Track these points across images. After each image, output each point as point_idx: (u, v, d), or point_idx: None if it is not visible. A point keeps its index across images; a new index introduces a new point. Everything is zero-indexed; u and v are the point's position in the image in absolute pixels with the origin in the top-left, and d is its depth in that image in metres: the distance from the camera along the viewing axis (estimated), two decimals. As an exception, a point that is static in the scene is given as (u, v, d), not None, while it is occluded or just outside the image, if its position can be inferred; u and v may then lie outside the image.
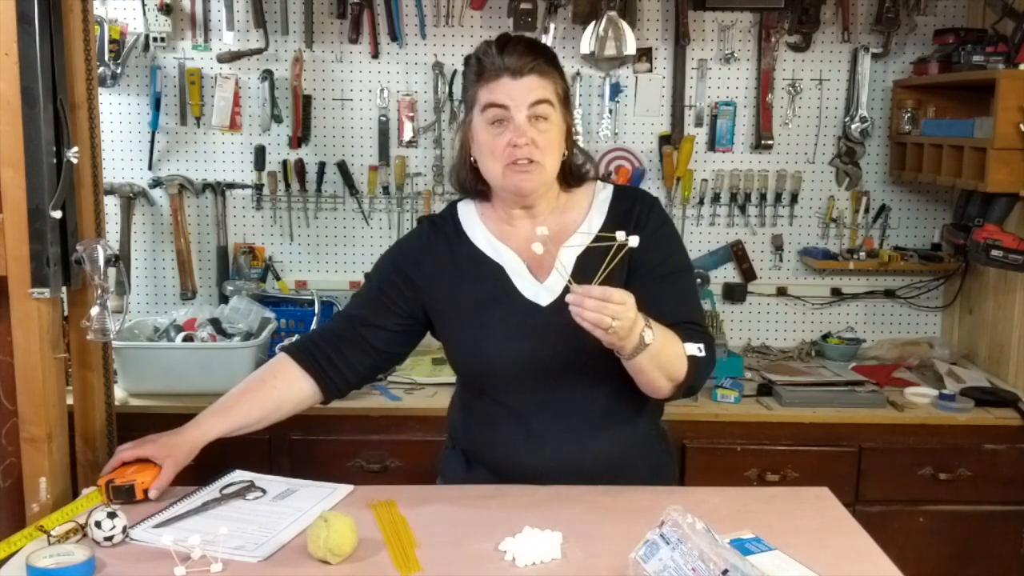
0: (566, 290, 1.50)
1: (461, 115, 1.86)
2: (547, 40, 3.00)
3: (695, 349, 1.61)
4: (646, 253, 1.65)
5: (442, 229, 1.80)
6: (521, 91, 1.63)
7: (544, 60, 1.66)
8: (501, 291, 1.72)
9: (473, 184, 1.76)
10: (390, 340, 1.79)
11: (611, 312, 1.42)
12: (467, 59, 1.74)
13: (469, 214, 1.80)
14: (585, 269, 1.64)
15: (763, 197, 3.16)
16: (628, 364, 1.57)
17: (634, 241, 1.48)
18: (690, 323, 1.68)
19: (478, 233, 1.77)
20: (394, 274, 1.79)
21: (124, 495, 1.62)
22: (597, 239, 1.54)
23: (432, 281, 1.76)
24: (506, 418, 1.73)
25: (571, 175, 1.76)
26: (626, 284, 1.62)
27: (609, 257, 1.48)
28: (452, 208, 1.83)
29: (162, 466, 1.65)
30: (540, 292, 1.71)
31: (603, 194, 1.78)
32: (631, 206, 1.75)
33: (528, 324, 1.69)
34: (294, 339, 1.87)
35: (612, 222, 1.71)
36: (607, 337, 1.46)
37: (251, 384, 1.79)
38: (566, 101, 1.72)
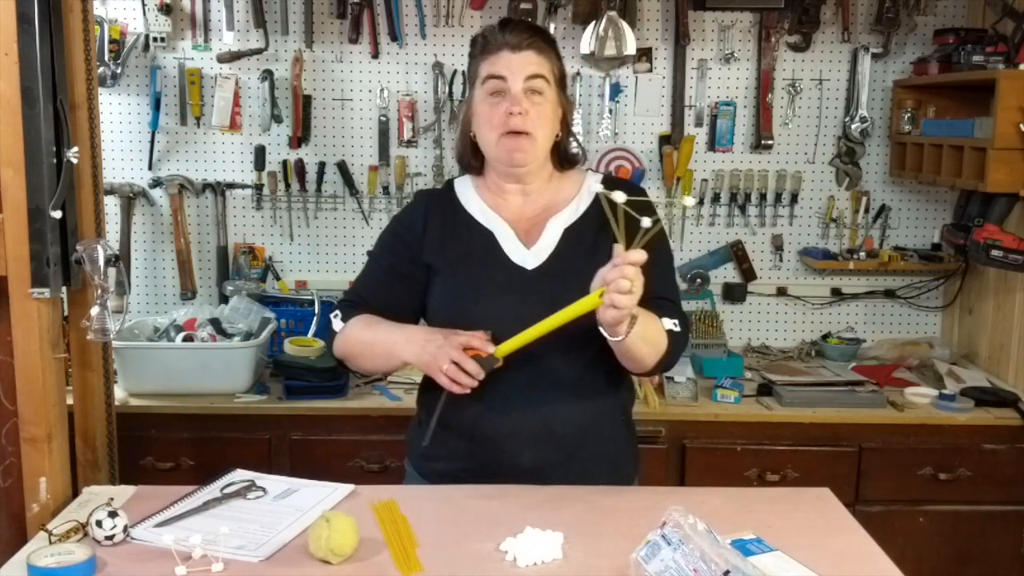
0: (554, 255, 1.71)
1: (460, 109, 1.90)
2: (547, 40, 3.01)
3: (671, 324, 1.68)
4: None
5: (437, 199, 1.88)
6: (519, 63, 1.72)
7: (542, 39, 1.77)
8: (489, 253, 1.78)
9: (471, 158, 1.84)
10: (406, 307, 1.83)
11: (630, 275, 1.46)
12: (473, 39, 1.82)
13: (465, 186, 1.87)
14: (570, 241, 1.76)
15: (763, 197, 3.16)
16: (620, 344, 1.58)
17: (690, 202, 1.63)
18: (664, 299, 1.73)
19: (472, 203, 1.84)
20: (397, 244, 1.85)
21: (488, 362, 1.63)
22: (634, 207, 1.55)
23: (426, 242, 1.82)
24: (495, 397, 1.74)
25: (564, 158, 1.85)
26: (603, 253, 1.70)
27: (640, 236, 1.51)
28: (449, 182, 1.92)
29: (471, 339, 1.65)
30: (527, 256, 1.77)
31: (592, 179, 1.85)
32: (625, 191, 1.79)
33: (512, 284, 1.75)
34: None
35: (598, 206, 1.75)
36: (629, 301, 1.47)
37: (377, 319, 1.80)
38: (562, 84, 1.80)
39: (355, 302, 1.84)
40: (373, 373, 1.81)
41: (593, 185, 1.57)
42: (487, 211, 1.82)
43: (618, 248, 1.47)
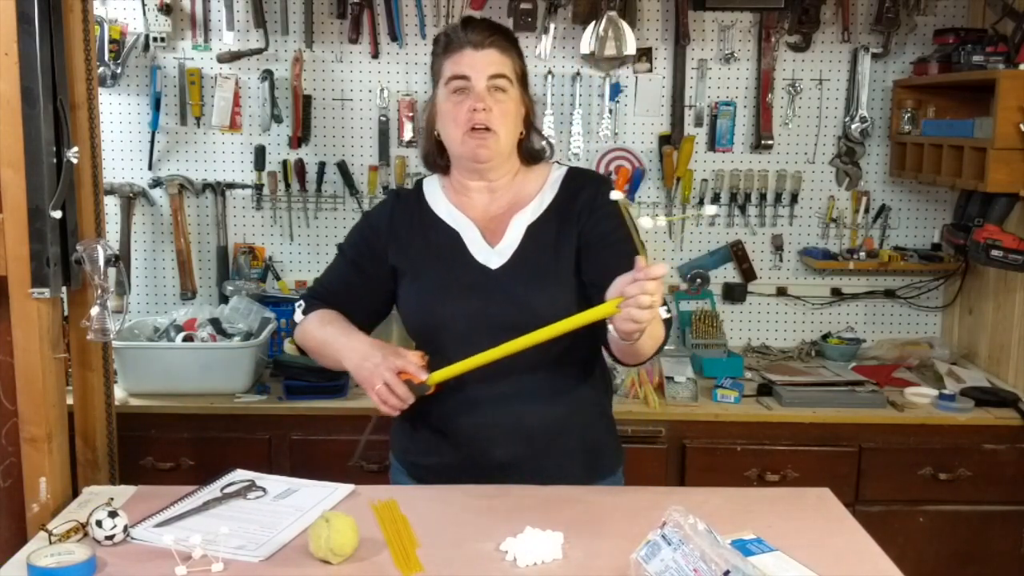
0: (517, 254, 1.74)
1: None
2: (547, 40, 3.01)
3: (664, 312, 1.63)
4: (597, 226, 1.75)
5: (406, 199, 1.90)
6: (482, 62, 1.74)
7: (503, 38, 1.78)
8: (455, 253, 1.80)
9: (436, 157, 1.86)
10: (366, 307, 1.86)
11: (656, 284, 1.42)
12: (436, 37, 1.84)
13: (432, 186, 1.89)
14: (534, 238, 1.77)
15: (763, 197, 3.16)
16: (629, 345, 1.55)
17: (711, 210, 1.54)
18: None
19: (439, 202, 1.86)
20: (363, 243, 1.88)
21: (418, 389, 1.65)
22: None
23: (391, 244, 1.84)
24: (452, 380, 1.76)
25: (528, 155, 1.86)
26: (579, 256, 1.74)
27: (626, 218, 1.52)
28: (419, 183, 1.93)
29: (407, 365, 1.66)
30: (491, 256, 1.78)
31: (557, 173, 1.86)
32: (582, 184, 1.83)
33: (478, 284, 1.76)
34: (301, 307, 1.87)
35: (563, 198, 1.82)
36: (649, 316, 1.43)
37: (333, 316, 1.83)
38: (524, 82, 1.83)
39: (318, 295, 1.88)
40: (332, 369, 1.84)
41: (613, 194, 1.56)
42: (453, 211, 1.83)
43: (639, 261, 1.41)
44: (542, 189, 1.84)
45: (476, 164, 1.79)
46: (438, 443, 1.81)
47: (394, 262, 1.83)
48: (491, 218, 1.82)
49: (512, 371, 1.71)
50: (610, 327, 1.52)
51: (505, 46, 1.77)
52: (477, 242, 1.80)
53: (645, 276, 1.38)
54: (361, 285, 1.85)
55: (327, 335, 1.78)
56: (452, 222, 1.82)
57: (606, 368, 1.90)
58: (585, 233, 1.76)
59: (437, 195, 1.87)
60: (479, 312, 1.73)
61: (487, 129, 1.74)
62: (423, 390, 1.65)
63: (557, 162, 1.92)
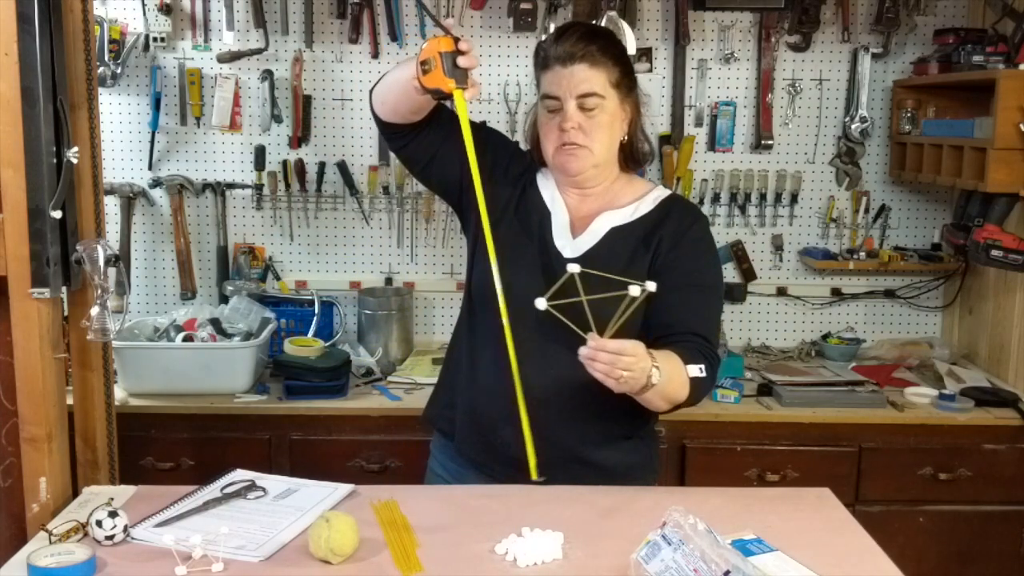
0: (593, 250, 1.74)
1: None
2: (547, 40, 3.01)
3: (697, 371, 1.65)
4: (677, 259, 1.76)
5: (532, 164, 1.90)
6: (569, 82, 1.73)
7: (597, 49, 1.74)
8: (541, 229, 1.82)
9: (539, 157, 1.87)
10: (431, 144, 1.84)
11: (623, 365, 1.49)
12: (535, 50, 1.85)
13: (545, 170, 1.90)
14: (614, 241, 1.78)
15: (763, 197, 3.16)
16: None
17: (651, 286, 1.56)
18: (698, 336, 1.71)
19: (546, 183, 1.88)
20: (499, 150, 1.88)
21: (458, 75, 1.58)
22: (614, 284, 1.59)
23: (496, 185, 1.83)
24: (487, 361, 1.78)
25: (632, 158, 1.87)
26: (641, 270, 1.73)
27: (623, 307, 1.54)
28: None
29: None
30: (568, 244, 1.80)
31: (658, 192, 1.87)
32: (680, 211, 1.83)
33: (546, 264, 1.78)
34: None
35: (656, 216, 1.80)
36: (617, 386, 1.51)
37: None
38: (625, 87, 1.80)
39: None
40: (391, 117, 1.81)
41: (570, 266, 1.62)
42: (555, 194, 1.86)
43: (591, 334, 1.50)
44: (640, 199, 1.84)
45: (568, 176, 1.81)
46: (453, 411, 1.87)
47: (489, 183, 1.74)
48: (582, 215, 1.84)
49: (553, 365, 1.70)
50: None
51: (596, 58, 1.74)
52: (563, 227, 1.82)
53: (596, 347, 1.49)
54: (444, 140, 1.81)
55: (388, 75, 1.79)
56: (550, 203, 1.85)
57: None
58: (659, 265, 1.76)
59: (547, 179, 1.89)
60: (536, 290, 1.67)
61: (577, 145, 1.75)
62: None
63: (663, 185, 1.92)
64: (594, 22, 2.88)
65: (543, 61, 1.78)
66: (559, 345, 1.66)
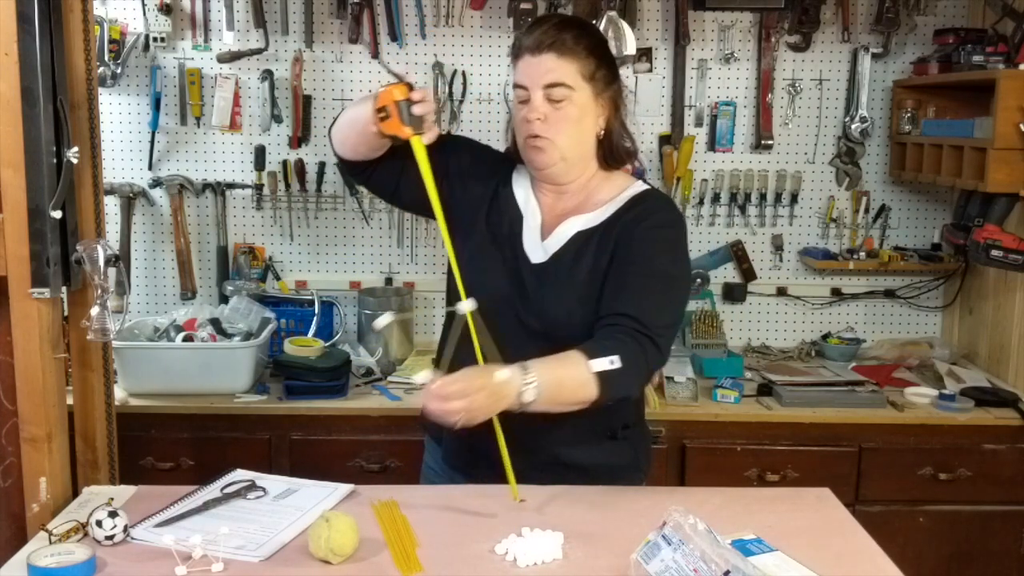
0: (556, 256, 1.72)
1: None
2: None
3: (606, 363, 1.55)
4: (628, 248, 1.70)
5: (503, 165, 1.87)
6: (537, 71, 1.68)
7: (571, 38, 1.68)
8: (511, 234, 1.79)
9: (515, 152, 1.83)
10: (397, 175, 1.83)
11: (453, 408, 1.44)
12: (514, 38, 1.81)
13: (522, 168, 1.86)
14: (578, 246, 1.73)
15: (763, 197, 3.16)
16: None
17: (469, 305, 1.56)
18: (627, 316, 1.62)
19: (521, 184, 1.84)
20: (463, 156, 1.85)
21: (414, 121, 1.62)
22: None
23: (467, 192, 1.82)
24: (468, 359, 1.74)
25: (610, 154, 1.79)
26: (602, 269, 1.70)
27: (451, 331, 1.56)
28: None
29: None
30: (537, 250, 1.77)
31: (633, 189, 1.80)
32: (645, 205, 1.76)
33: (515, 271, 1.76)
34: None
35: (618, 216, 1.75)
36: (463, 422, 1.46)
37: None
38: (602, 80, 1.73)
39: None
40: (351, 156, 1.83)
41: (460, 306, 1.57)
42: (529, 196, 1.82)
43: (428, 374, 1.50)
44: (614, 199, 1.78)
45: (535, 170, 1.78)
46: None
47: (457, 199, 1.79)
48: (555, 216, 1.79)
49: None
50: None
51: (567, 48, 1.68)
52: (533, 232, 1.78)
53: (430, 392, 1.45)
54: (403, 170, 1.79)
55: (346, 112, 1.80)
56: (523, 205, 1.81)
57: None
58: (618, 246, 1.71)
59: (523, 177, 1.84)
60: (504, 298, 1.71)
61: (541, 137, 1.70)
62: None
63: (646, 181, 1.87)
64: (594, 22, 2.89)
65: (516, 50, 1.73)
66: (527, 350, 1.60)
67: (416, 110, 1.61)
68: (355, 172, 1.87)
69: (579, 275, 1.72)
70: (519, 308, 1.73)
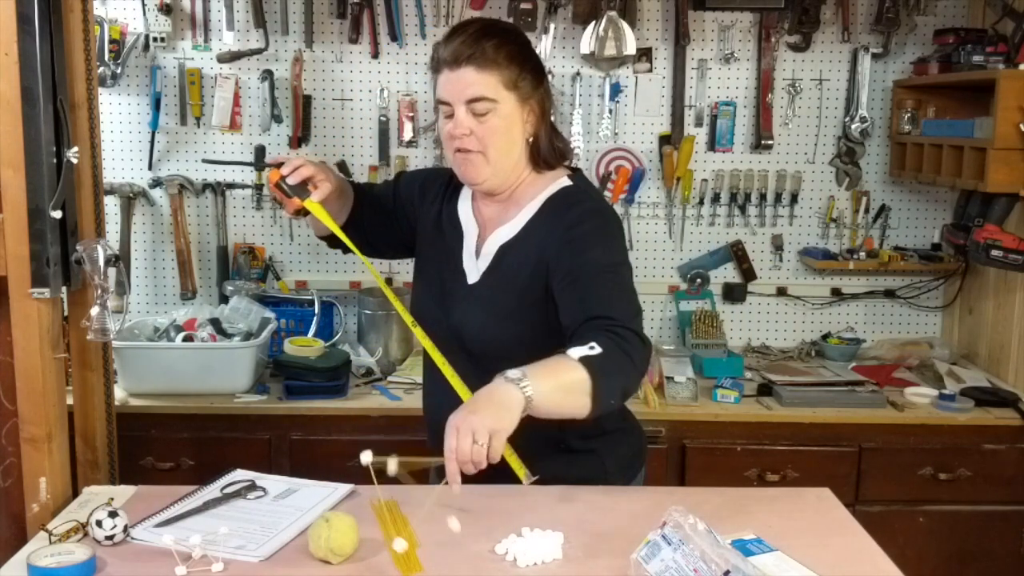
0: (486, 274, 1.73)
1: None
2: (547, 40, 3.01)
3: (586, 349, 1.46)
4: (559, 260, 1.64)
5: (451, 183, 1.87)
6: (457, 87, 1.65)
7: (491, 48, 1.63)
8: (452, 255, 1.80)
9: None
10: (379, 231, 1.92)
11: (470, 453, 1.38)
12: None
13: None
14: (504, 262, 1.72)
15: (763, 197, 3.16)
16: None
17: (366, 458, 1.55)
18: (596, 318, 1.55)
19: (464, 200, 1.84)
20: (412, 189, 1.91)
21: (297, 191, 1.70)
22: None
23: (421, 214, 1.88)
24: (431, 377, 1.79)
25: (540, 157, 1.74)
26: (547, 294, 1.66)
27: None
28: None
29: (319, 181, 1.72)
30: (473, 269, 1.77)
31: (549, 190, 1.74)
32: (561, 211, 1.70)
33: (453, 292, 1.77)
34: None
35: (539, 221, 1.72)
36: (493, 453, 1.41)
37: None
38: (526, 86, 1.68)
39: (362, 187, 1.96)
40: (323, 235, 1.92)
41: (363, 456, 1.51)
42: (469, 212, 1.81)
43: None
44: (529, 204, 1.73)
45: (468, 184, 1.76)
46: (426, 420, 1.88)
47: (416, 226, 1.89)
48: (493, 226, 1.77)
49: (477, 382, 1.56)
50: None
51: (486, 59, 1.62)
52: (471, 249, 1.77)
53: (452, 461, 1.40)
54: (390, 212, 1.91)
55: None
56: (464, 222, 1.80)
57: None
58: (550, 268, 1.65)
59: (465, 192, 1.83)
60: (443, 319, 1.74)
61: (471, 151, 1.67)
62: (296, 190, 1.71)
63: (571, 170, 1.79)
64: (594, 22, 2.90)
65: (435, 63, 1.69)
66: (487, 361, 1.58)
67: (291, 181, 1.69)
68: (334, 246, 1.93)
69: (508, 292, 1.69)
70: (455, 329, 1.73)
